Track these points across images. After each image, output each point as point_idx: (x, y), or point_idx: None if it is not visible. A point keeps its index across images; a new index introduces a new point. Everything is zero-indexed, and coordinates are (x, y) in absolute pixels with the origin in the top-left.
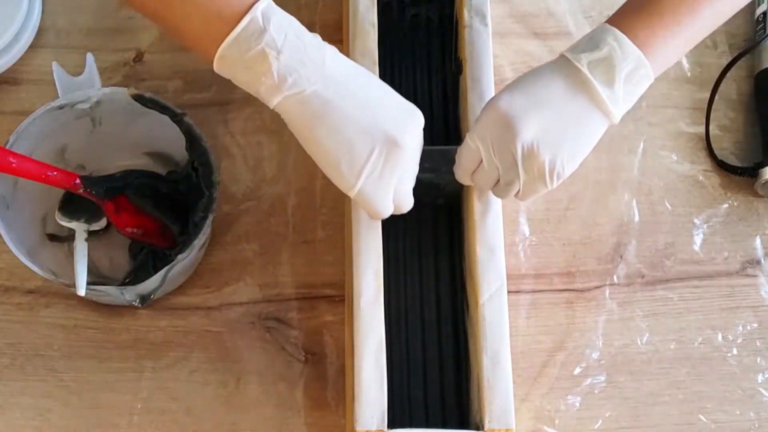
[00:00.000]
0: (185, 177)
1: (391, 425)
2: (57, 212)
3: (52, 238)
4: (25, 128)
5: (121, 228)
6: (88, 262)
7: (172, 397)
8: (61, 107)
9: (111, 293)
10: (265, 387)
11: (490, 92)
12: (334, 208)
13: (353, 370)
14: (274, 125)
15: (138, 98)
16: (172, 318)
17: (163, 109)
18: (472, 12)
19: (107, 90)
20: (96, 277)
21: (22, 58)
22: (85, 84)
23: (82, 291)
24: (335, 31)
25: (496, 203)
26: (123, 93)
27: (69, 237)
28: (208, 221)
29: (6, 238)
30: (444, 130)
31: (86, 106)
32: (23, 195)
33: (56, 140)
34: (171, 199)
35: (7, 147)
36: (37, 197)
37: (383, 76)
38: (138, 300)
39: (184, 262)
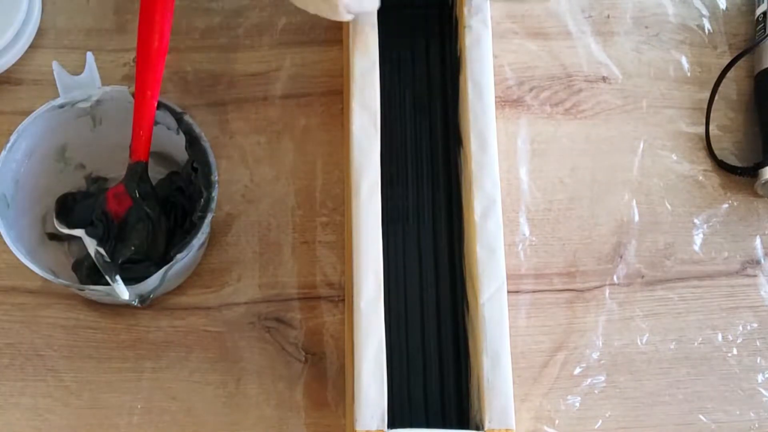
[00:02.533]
0: (185, 177)
1: (391, 425)
2: (56, 221)
3: (52, 237)
4: (26, 127)
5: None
6: (87, 262)
7: (172, 397)
8: (61, 106)
9: (111, 293)
10: (265, 387)
11: (490, 92)
12: (334, 209)
13: (353, 370)
14: (274, 125)
15: None
16: (172, 318)
17: (162, 108)
18: (472, 12)
19: (108, 89)
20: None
21: (22, 58)
22: (85, 83)
23: (125, 295)
24: (335, 31)
25: (497, 203)
26: (124, 92)
27: (69, 236)
28: (207, 221)
29: (6, 238)
30: (444, 130)
31: (87, 105)
32: (24, 194)
33: (57, 139)
34: (171, 199)
35: (8, 147)
36: (38, 196)
37: (383, 76)
38: (137, 300)
39: (183, 261)
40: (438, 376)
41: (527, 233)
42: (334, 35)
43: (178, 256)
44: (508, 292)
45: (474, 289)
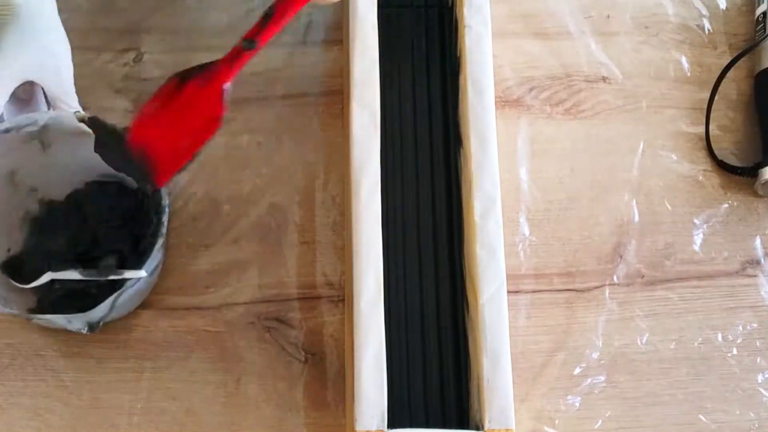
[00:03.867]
0: (135, 203)
1: (391, 425)
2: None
3: (5, 267)
4: None
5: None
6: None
7: (172, 397)
8: (7, 131)
9: (56, 321)
10: (265, 387)
11: (490, 92)
12: (334, 209)
13: (353, 370)
14: (274, 125)
15: (85, 122)
16: (172, 318)
17: (109, 133)
18: (472, 12)
19: (53, 114)
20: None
21: None
22: (30, 108)
23: (143, 273)
24: (335, 31)
25: (497, 203)
26: (70, 117)
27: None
28: (158, 246)
29: None
30: (444, 130)
31: (34, 128)
32: None
33: (5, 164)
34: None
35: None
36: None
37: (383, 76)
38: (86, 328)
39: (134, 288)
40: (438, 376)
41: (527, 233)
42: (334, 35)
43: (128, 282)
44: (508, 292)
45: (474, 289)
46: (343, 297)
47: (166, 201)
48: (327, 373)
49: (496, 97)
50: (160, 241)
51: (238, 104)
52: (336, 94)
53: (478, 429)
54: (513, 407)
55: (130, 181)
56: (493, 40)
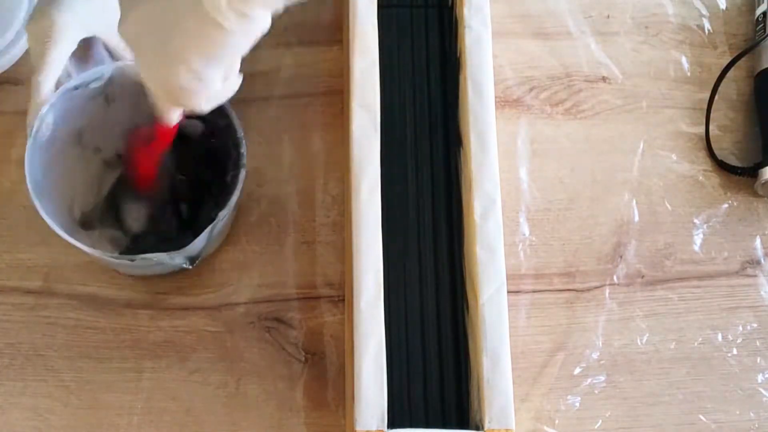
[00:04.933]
0: (201, 148)
1: (391, 425)
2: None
3: (83, 225)
4: (46, 113)
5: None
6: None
7: (172, 397)
8: (76, 87)
9: (161, 260)
10: (265, 387)
11: (490, 92)
12: (334, 209)
13: (353, 370)
14: (275, 125)
15: None
16: (172, 318)
17: None
18: (472, 12)
19: (119, 64)
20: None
21: (22, 58)
22: (96, 62)
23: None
24: (335, 31)
25: (497, 203)
26: (135, 66)
27: (100, 224)
28: (241, 176)
29: (51, 223)
30: (444, 130)
31: (99, 84)
32: (51, 183)
33: (73, 124)
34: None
35: (33, 133)
36: (63, 185)
37: (383, 76)
38: (187, 262)
39: (224, 220)
40: (438, 376)
41: (527, 233)
42: (334, 35)
43: (221, 213)
44: (508, 292)
45: (474, 289)
46: (343, 297)
47: (241, 132)
48: (327, 373)
49: (496, 97)
50: (242, 172)
51: (237, 104)
52: (336, 94)
53: (478, 429)
54: (513, 407)
55: (190, 131)
56: (493, 40)
